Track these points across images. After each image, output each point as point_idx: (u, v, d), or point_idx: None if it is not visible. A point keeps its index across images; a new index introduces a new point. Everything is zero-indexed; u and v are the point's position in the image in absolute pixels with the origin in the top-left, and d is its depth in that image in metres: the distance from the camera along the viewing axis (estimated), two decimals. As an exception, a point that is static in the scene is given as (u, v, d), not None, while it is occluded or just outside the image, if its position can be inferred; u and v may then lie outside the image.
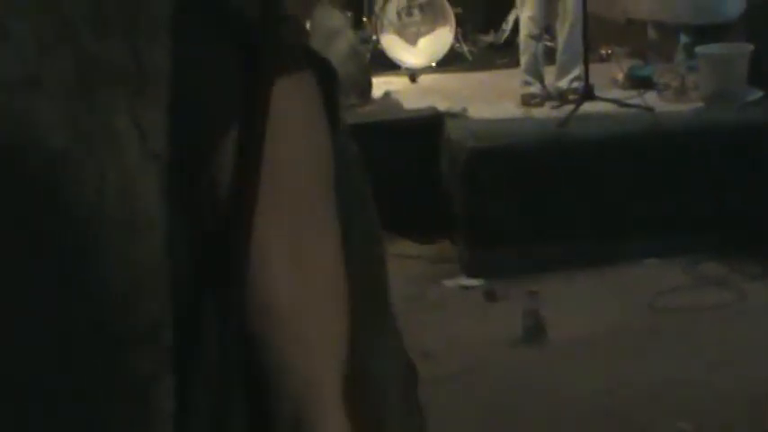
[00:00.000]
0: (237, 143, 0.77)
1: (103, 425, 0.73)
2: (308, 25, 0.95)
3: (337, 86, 0.83)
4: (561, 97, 5.05)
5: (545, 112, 4.94)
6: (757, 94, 4.76)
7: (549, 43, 5.48)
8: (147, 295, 0.73)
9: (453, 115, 4.86)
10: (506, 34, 6.67)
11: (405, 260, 4.42)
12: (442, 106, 4.99)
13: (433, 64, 6.19)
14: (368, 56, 5.98)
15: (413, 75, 5.98)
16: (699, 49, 4.93)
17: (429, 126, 4.82)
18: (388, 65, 6.13)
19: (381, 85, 5.59)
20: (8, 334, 0.70)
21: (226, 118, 0.77)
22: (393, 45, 6.18)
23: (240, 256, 0.76)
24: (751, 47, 4.78)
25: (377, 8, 6.37)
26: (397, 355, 0.93)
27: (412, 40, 6.22)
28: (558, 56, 5.18)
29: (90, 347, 0.72)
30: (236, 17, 0.81)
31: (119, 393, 0.73)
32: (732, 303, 3.95)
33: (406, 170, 4.66)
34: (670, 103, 4.90)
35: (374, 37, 6.27)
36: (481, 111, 4.95)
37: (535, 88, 5.13)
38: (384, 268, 0.93)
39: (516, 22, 5.58)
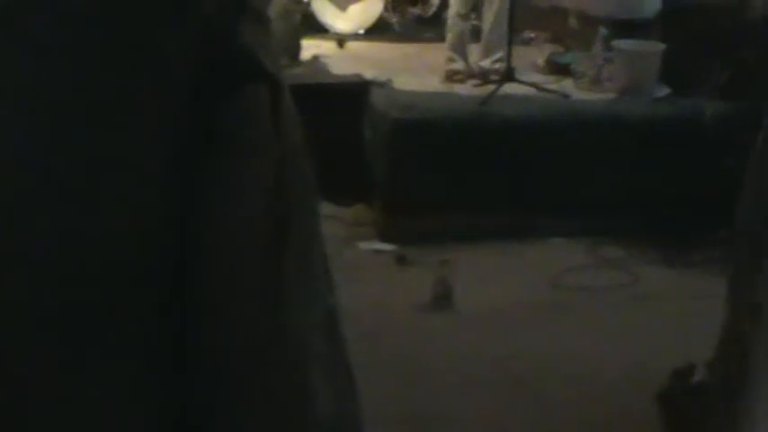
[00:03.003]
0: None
1: None
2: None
3: (284, 99, 0.91)
4: (484, 76, 5.22)
5: (467, 89, 5.11)
6: (666, 90, 5.02)
7: (475, 23, 5.63)
8: None
9: (379, 84, 4.99)
10: (434, 8, 6.79)
11: (322, 220, 4.53)
12: (368, 74, 5.11)
13: (362, 31, 6.28)
14: (298, 17, 6.03)
15: (341, 40, 6.05)
16: (615, 43, 5.16)
17: (355, 93, 4.93)
18: (317, 28, 6.19)
19: (310, 47, 5.67)
20: None
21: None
22: (323, 9, 6.24)
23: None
24: (663, 46, 5.03)
25: (310, -29, 6.40)
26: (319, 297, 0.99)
27: (342, 6, 6.30)
28: (484, 36, 5.34)
29: None
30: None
31: None
32: (628, 285, 4.21)
33: (328, 133, 4.74)
34: (585, 91, 5.12)
35: (305, -1, 6.32)
36: (406, 82, 5.09)
37: (459, 65, 5.28)
38: (319, 230, 1.00)
39: (445, -1, 5.72)
